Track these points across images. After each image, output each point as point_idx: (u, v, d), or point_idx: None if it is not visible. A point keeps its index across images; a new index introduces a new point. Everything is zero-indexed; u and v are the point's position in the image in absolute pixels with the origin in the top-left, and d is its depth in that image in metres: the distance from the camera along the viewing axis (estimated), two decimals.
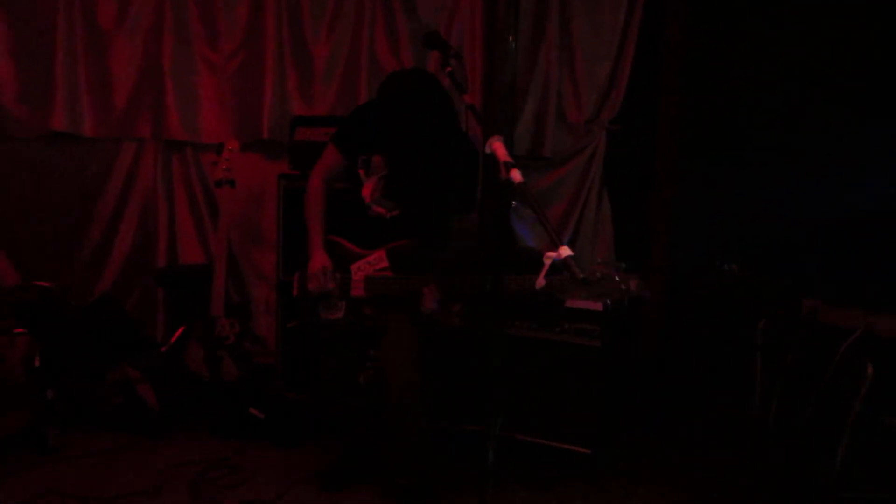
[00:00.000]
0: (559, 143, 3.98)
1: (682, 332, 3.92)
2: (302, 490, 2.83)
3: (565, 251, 1.37)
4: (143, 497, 2.73)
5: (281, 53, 4.09)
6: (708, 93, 3.94)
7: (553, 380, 3.00)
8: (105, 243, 4.38)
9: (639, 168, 4.01)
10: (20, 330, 3.82)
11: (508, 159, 1.61)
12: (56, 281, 4.18)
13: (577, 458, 2.99)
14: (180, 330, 3.71)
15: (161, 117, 4.18)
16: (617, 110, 3.88)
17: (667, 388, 3.84)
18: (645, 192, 4.02)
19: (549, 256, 1.40)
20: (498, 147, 1.64)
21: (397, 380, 2.55)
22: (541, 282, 1.45)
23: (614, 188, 3.97)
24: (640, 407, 3.76)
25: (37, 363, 3.60)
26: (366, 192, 2.63)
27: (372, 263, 2.58)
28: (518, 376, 3.02)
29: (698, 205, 3.93)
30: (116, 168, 4.33)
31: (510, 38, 3.75)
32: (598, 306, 3.02)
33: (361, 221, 2.66)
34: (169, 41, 4.11)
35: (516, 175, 1.57)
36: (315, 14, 4.07)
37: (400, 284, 2.51)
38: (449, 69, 2.03)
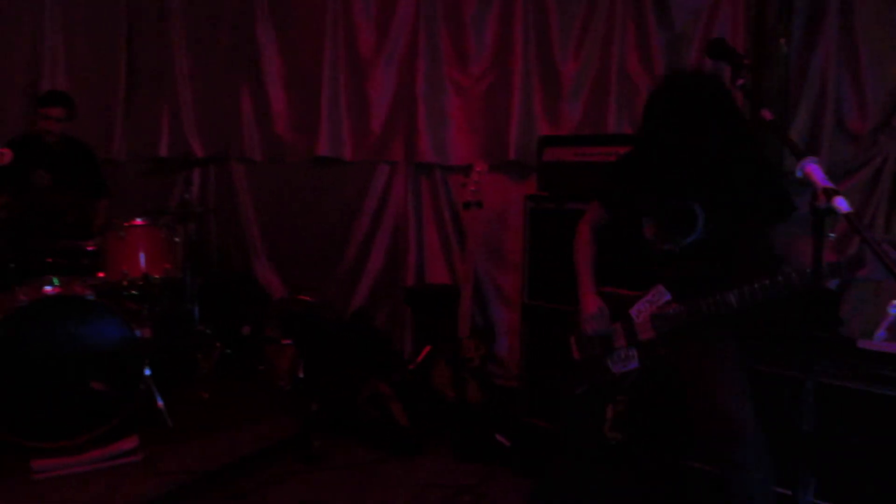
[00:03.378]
0: (837, 155, 3.50)
1: None
2: None
3: None
4: None
5: (528, 72, 4.04)
6: None
7: (859, 437, 2.57)
8: (360, 261, 4.64)
9: None
10: (287, 341, 4.15)
11: (829, 184, 1.37)
12: (317, 295, 4.51)
13: None
14: (427, 349, 3.79)
15: (413, 140, 4.33)
16: None
17: None
18: None
19: None
20: (814, 171, 1.40)
21: (731, 409, 2.16)
22: (880, 335, 1.19)
23: None
24: None
25: (300, 374, 3.87)
26: (648, 233, 2.45)
27: (652, 301, 2.39)
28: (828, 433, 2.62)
29: None
30: (371, 190, 4.57)
31: (781, 41, 3.39)
32: None
33: (631, 265, 2.49)
34: (422, 66, 4.25)
35: (842, 204, 1.32)
36: (563, 30, 3.98)
37: (700, 309, 2.26)
38: (741, 81, 1.81)
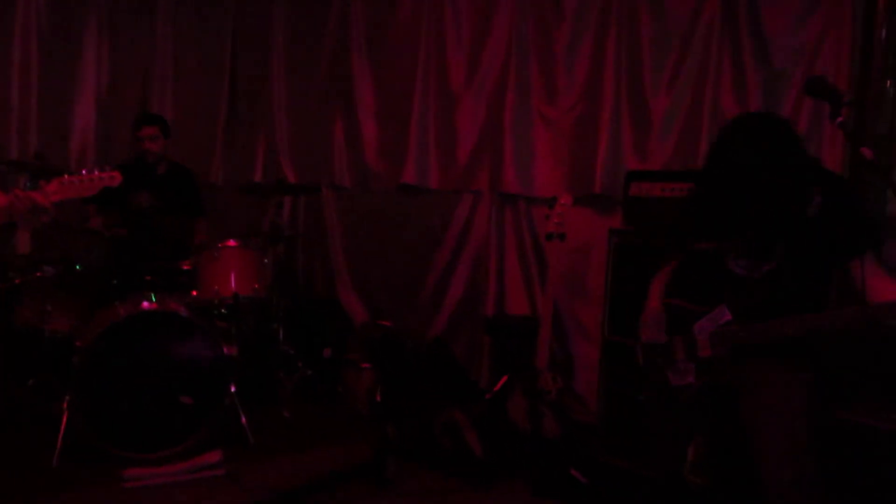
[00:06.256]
0: None
1: None
2: None
3: None
4: None
5: (617, 106, 4.02)
6: None
7: None
8: (440, 289, 4.67)
9: None
10: (366, 365, 4.22)
11: None
12: (396, 321, 4.56)
13: None
14: (504, 379, 3.77)
15: (498, 171, 4.37)
16: None
17: None
18: None
19: None
20: None
21: (771, 470, 2.19)
22: None
23: None
24: None
25: (378, 398, 3.92)
26: (726, 261, 2.43)
27: (714, 319, 2.38)
28: None
29: None
30: (455, 219, 4.62)
31: (888, 83, 3.27)
32: None
33: (703, 281, 2.48)
34: (510, 99, 4.29)
35: None
36: (655, 65, 3.94)
37: (756, 332, 2.25)
38: (840, 119, 1.76)
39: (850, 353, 2.82)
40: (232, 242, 3.79)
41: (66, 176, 2.49)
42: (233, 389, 3.50)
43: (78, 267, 3.75)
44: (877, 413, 2.62)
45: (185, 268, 3.84)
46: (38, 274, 3.60)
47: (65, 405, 3.20)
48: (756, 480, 2.24)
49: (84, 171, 2.53)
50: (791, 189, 2.20)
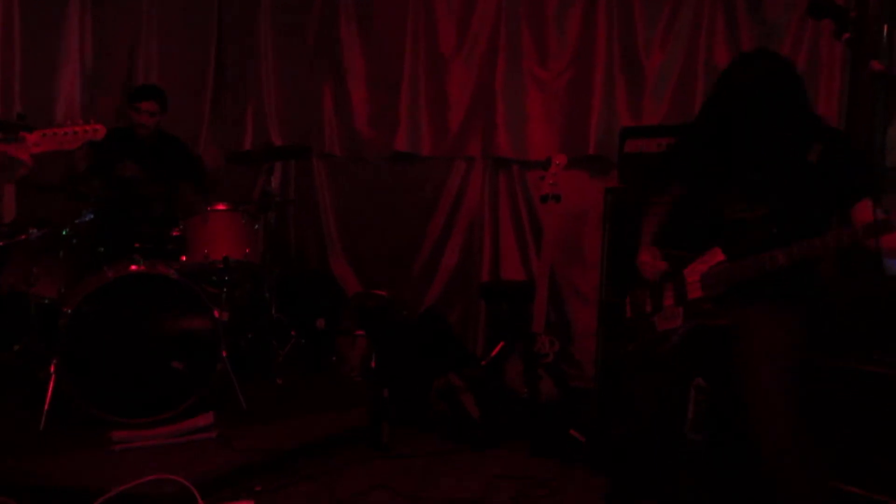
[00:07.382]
0: None
1: None
2: None
3: None
4: None
5: (610, 67, 3.99)
6: None
7: None
8: (434, 257, 4.63)
9: None
10: (360, 332, 4.17)
11: None
12: (391, 290, 4.51)
13: None
14: (501, 344, 3.72)
15: (491, 136, 4.32)
16: None
17: None
18: None
19: None
20: None
21: (763, 400, 2.20)
22: None
23: None
24: None
25: (372, 364, 3.87)
26: (721, 201, 2.41)
27: (706, 261, 2.39)
28: None
29: None
30: (448, 186, 4.57)
31: (884, 28, 3.23)
32: None
33: (692, 229, 2.51)
34: (502, 62, 4.25)
35: None
36: (648, 23, 3.92)
37: (748, 266, 2.24)
38: (847, 36, 1.72)
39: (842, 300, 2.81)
40: (221, 206, 3.72)
41: (49, 128, 2.42)
42: (224, 355, 3.43)
43: (65, 232, 3.65)
44: (865, 358, 2.59)
45: (175, 234, 3.76)
46: (24, 237, 3.50)
47: (52, 368, 3.12)
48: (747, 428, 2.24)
49: (68, 122, 2.46)
50: (791, 123, 2.18)
